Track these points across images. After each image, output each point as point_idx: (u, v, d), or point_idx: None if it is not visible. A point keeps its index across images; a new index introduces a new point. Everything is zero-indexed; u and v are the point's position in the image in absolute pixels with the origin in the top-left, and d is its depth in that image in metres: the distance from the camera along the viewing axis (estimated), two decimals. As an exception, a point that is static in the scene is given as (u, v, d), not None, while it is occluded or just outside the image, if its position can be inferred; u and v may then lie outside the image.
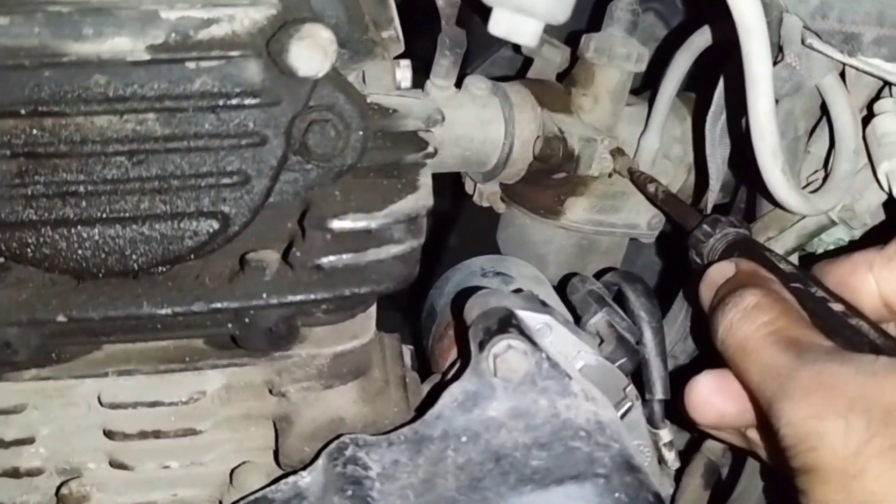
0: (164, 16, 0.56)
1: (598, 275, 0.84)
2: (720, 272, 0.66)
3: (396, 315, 1.12)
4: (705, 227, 0.73)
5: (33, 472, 0.70)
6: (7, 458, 0.69)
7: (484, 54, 1.13)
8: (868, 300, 0.61)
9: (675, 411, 0.88)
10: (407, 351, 0.81)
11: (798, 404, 0.53)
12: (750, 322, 0.59)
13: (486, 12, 0.95)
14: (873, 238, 0.80)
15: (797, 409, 0.53)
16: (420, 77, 0.80)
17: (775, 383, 0.55)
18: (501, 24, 0.52)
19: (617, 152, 0.89)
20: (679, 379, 0.87)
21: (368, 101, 0.67)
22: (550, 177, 0.90)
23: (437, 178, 0.72)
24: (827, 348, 0.56)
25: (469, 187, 0.98)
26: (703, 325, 0.67)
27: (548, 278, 0.91)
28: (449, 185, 1.08)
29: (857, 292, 0.62)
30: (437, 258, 0.80)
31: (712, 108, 0.78)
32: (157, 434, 0.69)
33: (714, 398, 0.63)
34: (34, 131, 0.58)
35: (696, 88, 1.02)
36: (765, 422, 0.57)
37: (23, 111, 0.57)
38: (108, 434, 0.69)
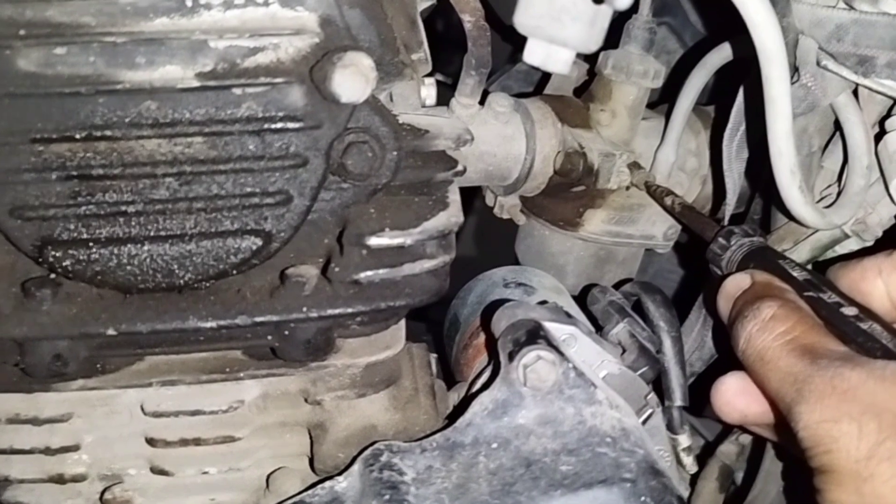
0: (212, 45, 0.59)
1: (617, 285, 0.87)
2: (736, 284, 0.69)
3: (419, 324, 1.15)
4: (721, 240, 0.75)
5: (77, 478, 0.72)
6: (53, 465, 0.72)
7: (501, 68, 1.16)
8: (879, 304, 0.64)
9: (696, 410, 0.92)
10: (433, 359, 0.84)
11: (814, 408, 0.56)
12: (768, 332, 0.62)
13: (503, 28, 0.98)
14: (884, 243, 0.83)
15: (813, 413, 0.56)
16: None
17: (793, 389, 0.58)
18: (536, 54, 0.55)
19: (634, 166, 0.91)
20: (700, 380, 0.91)
21: (401, 121, 0.70)
22: (570, 190, 0.92)
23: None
24: (841, 353, 0.58)
25: (489, 200, 1.00)
26: (722, 332, 0.70)
27: (566, 288, 0.93)
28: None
29: (867, 297, 0.64)
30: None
31: (730, 124, 0.81)
32: (197, 441, 0.72)
33: (737, 399, 0.66)
34: (88, 154, 0.60)
35: (711, 99, 1.04)
36: (784, 425, 0.60)
37: (78, 135, 0.60)
38: (150, 441, 0.72)
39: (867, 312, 0.62)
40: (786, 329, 0.61)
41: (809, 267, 0.82)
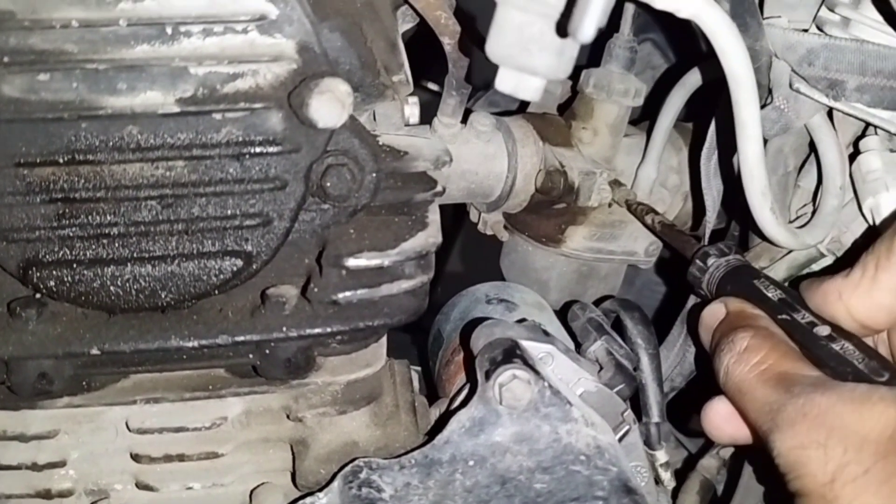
0: (192, 71, 0.60)
1: (598, 302, 0.88)
2: (712, 315, 0.70)
3: (404, 336, 1.16)
4: (698, 262, 0.76)
5: (64, 494, 0.73)
6: (40, 481, 0.73)
7: (485, 85, 1.17)
8: (845, 324, 0.64)
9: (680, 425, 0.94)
10: (415, 375, 0.85)
11: (785, 435, 0.57)
12: (743, 364, 0.63)
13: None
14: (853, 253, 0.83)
15: (785, 441, 0.57)
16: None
17: (768, 418, 0.59)
18: (508, 82, 0.56)
19: (615, 183, 0.93)
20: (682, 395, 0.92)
21: (381, 142, 0.71)
22: (552, 207, 0.93)
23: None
24: (813, 379, 0.60)
25: (473, 216, 1.01)
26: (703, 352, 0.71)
27: (549, 303, 0.94)
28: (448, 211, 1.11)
29: (834, 319, 0.65)
30: (436, 281, 0.84)
31: (706, 144, 0.82)
32: (181, 457, 0.73)
33: (726, 424, 0.67)
34: (72, 178, 0.62)
35: (693, 115, 1.06)
36: (766, 452, 0.61)
37: (61, 160, 0.61)
38: (135, 457, 0.73)
39: (839, 330, 0.63)
40: (759, 359, 0.63)
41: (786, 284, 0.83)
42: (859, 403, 0.55)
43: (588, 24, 0.48)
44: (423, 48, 0.81)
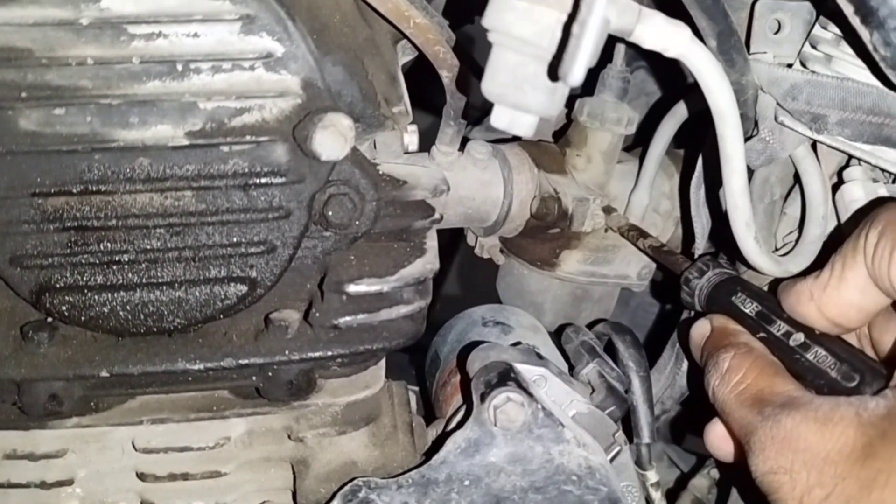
0: (201, 106, 0.63)
1: (591, 324, 0.91)
2: (699, 332, 0.73)
3: (402, 356, 1.18)
4: (685, 287, 0.79)
5: (71, 511, 0.76)
6: (48, 499, 0.75)
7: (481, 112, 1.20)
8: (819, 324, 0.66)
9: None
10: (413, 395, 0.87)
11: (758, 459, 0.60)
12: (725, 385, 0.66)
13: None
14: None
15: (758, 465, 0.60)
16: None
17: (746, 440, 0.62)
18: (502, 118, 0.59)
19: (607, 209, 0.95)
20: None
21: (380, 171, 0.74)
22: (546, 232, 0.96)
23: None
24: (784, 398, 0.62)
25: (471, 240, 1.04)
26: (697, 369, 0.74)
27: (544, 325, 0.97)
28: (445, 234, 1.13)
29: (806, 319, 0.66)
30: (434, 302, 0.86)
31: (695, 174, 0.85)
32: (185, 476, 0.75)
33: (723, 443, 0.70)
34: (84, 207, 0.65)
35: (685, 141, 1.08)
36: None
37: (74, 189, 0.64)
38: (141, 476, 0.75)
39: (813, 336, 0.65)
40: (739, 379, 0.66)
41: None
42: (821, 423, 0.57)
43: (577, 69, 0.50)
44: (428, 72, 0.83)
